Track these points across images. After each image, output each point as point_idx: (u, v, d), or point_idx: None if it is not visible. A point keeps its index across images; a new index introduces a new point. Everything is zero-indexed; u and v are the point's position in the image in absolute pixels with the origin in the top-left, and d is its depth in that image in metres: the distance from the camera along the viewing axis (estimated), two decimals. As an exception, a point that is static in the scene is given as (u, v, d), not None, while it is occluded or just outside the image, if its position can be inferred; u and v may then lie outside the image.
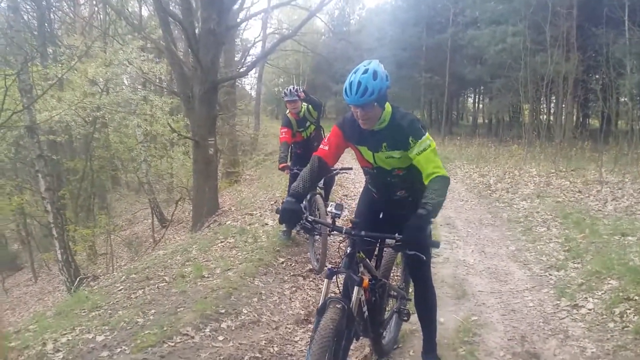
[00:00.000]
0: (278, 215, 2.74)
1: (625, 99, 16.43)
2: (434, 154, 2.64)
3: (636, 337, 3.50)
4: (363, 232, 2.60)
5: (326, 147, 2.90)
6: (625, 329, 3.65)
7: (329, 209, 2.73)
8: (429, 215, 2.40)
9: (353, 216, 3.20)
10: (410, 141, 2.66)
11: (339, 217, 2.70)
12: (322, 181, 6.35)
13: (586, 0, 17.02)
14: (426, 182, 2.59)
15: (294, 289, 5.05)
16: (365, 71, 2.54)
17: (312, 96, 6.16)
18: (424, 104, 31.32)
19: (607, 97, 14.65)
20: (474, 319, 4.12)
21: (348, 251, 2.64)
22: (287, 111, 6.13)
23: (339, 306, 2.50)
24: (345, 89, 2.56)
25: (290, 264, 5.72)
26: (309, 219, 2.68)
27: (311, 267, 5.63)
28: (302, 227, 2.74)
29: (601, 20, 16.09)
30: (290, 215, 2.67)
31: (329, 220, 2.72)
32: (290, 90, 5.95)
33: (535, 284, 4.86)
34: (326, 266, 2.61)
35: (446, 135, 25.98)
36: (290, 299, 4.81)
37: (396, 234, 2.47)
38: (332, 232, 2.69)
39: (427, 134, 2.67)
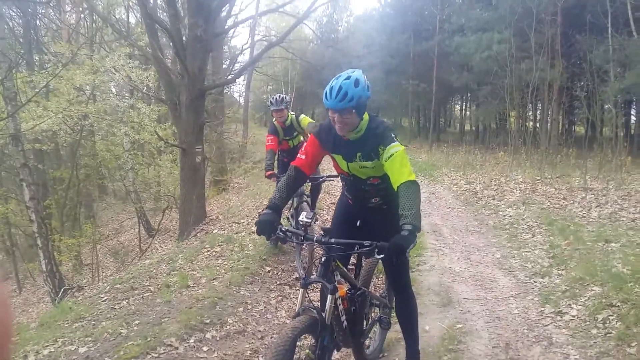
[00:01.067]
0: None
1: (609, 106, 16.64)
2: (403, 160, 2.62)
3: (618, 343, 3.54)
4: (333, 240, 2.58)
5: (303, 157, 2.91)
6: (608, 335, 3.69)
7: (300, 217, 2.73)
8: (414, 231, 2.35)
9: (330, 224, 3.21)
10: (379, 149, 2.68)
11: (310, 225, 2.70)
12: (309, 189, 6.37)
13: (570, 7, 17.28)
14: (395, 188, 2.57)
15: (280, 298, 5.03)
16: (348, 77, 2.58)
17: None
18: (411, 111, 31.54)
19: (591, 104, 14.84)
20: (459, 326, 4.14)
21: (322, 260, 2.63)
22: (274, 119, 6.11)
23: (310, 315, 2.49)
24: (326, 92, 2.59)
25: (277, 273, 5.70)
26: (282, 229, 2.66)
27: (297, 276, 5.61)
28: (277, 237, 2.72)
29: (585, 27, 16.37)
30: (265, 227, 2.66)
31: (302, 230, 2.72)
32: (275, 99, 5.91)
33: (520, 291, 4.89)
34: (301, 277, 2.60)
35: (434, 142, 26.14)
36: (276, 308, 4.79)
37: (366, 241, 2.45)
38: (303, 241, 2.69)
39: (396, 141, 2.67)
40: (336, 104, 2.55)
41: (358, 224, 3.09)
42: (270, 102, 5.97)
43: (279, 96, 5.96)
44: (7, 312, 0.52)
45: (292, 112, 6.17)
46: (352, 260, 3.35)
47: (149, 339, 3.66)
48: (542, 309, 4.38)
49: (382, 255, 2.40)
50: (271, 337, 4.13)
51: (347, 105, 2.54)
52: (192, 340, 3.77)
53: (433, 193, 11.58)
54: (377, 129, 2.73)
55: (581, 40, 16.54)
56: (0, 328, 0.51)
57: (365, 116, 2.74)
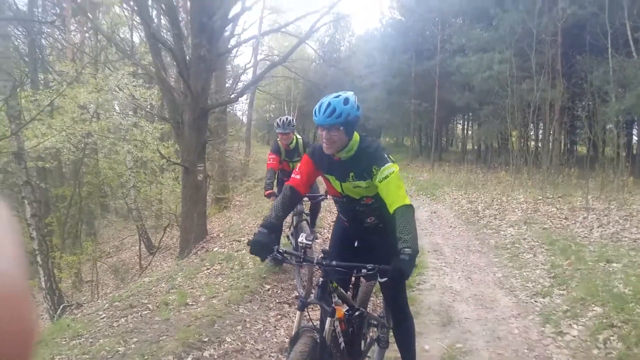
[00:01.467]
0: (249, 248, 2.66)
1: (611, 126, 16.69)
2: (398, 182, 2.62)
3: (619, 364, 3.51)
4: (334, 262, 2.53)
5: (298, 176, 2.93)
6: (609, 355, 3.67)
7: (299, 239, 2.69)
8: (414, 255, 2.36)
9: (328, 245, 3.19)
10: (373, 169, 2.68)
11: (310, 247, 2.66)
12: (308, 207, 6.36)
13: (570, 27, 17.44)
14: (391, 212, 2.57)
15: (279, 316, 4.99)
16: (338, 96, 2.62)
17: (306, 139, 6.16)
18: (413, 131, 31.67)
19: (593, 124, 14.90)
20: (459, 346, 4.10)
21: (320, 282, 2.59)
22: (279, 138, 5.99)
23: (311, 337, 2.46)
24: (315, 109, 2.62)
25: (277, 291, 5.66)
26: (280, 251, 2.59)
27: (297, 295, 5.57)
28: (273, 258, 2.66)
29: (585, 47, 16.51)
30: (260, 248, 2.59)
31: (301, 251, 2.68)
32: (283, 121, 5.78)
33: (521, 311, 4.85)
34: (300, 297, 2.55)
35: (435, 161, 26.19)
36: (275, 326, 4.75)
37: (369, 265, 2.41)
38: (302, 264, 2.64)
39: (390, 162, 2.67)
40: (324, 119, 2.57)
41: (356, 244, 3.09)
42: (277, 124, 5.85)
43: (287, 119, 5.84)
44: (30, 313, 0.53)
45: (299, 136, 6.13)
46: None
47: (146, 357, 3.64)
48: (543, 329, 4.34)
49: (384, 279, 2.39)
50: (269, 356, 4.10)
51: (335, 121, 2.57)
52: (189, 359, 3.74)
53: (434, 212, 11.57)
54: (369, 148, 2.74)
55: (581, 60, 16.68)
56: (23, 330, 0.51)
57: (356, 136, 2.75)
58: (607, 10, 14.91)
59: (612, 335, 3.90)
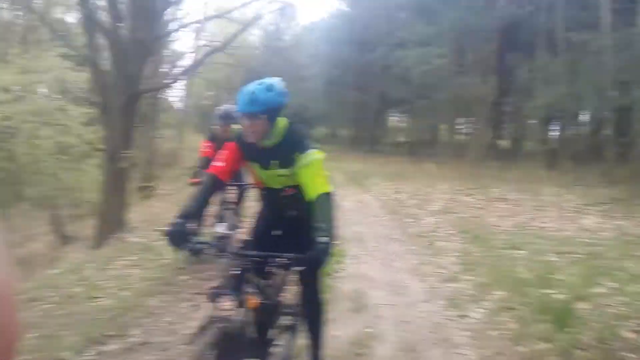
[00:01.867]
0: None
1: (534, 121, 17.59)
2: (318, 169, 2.59)
3: (512, 343, 3.78)
4: (250, 252, 2.52)
5: (221, 163, 2.81)
6: (504, 334, 3.94)
7: (217, 229, 2.63)
8: (329, 244, 2.33)
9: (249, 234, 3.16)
10: (294, 156, 2.63)
11: (229, 237, 2.62)
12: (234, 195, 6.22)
13: (507, 26, 18.04)
14: (309, 199, 2.54)
15: (192, 307, 4.87)
16: (262, 83, 2.56)
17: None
18: (349, 122, 31.98)
19: (517, 120, 15.69)
20: (369, 330, 4.19)
21: (235, 271, 2.54)
22: (216, 127, 5.66)
23: (220, 327, 2.40)
24: (238, 97, 2.55)
25: (193, 282, 5.52)
26: (196, 241, 2.55)
27: (213, 285, 5.44)
28: (190, 249, 2.59)
29: (518, 45, 17.24)
30: (177, 238, 2.50)
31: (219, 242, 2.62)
32: (224, 112, 5.45)
33: (430, 296, 5.04)
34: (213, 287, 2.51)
35: (369, 152, 26.57)
36: (187, 318, 4.63)
37: (285, 254, 2.40)
38: (219, 254, 2.59)
39: (312, 149, 2.63)
40: (244, 107, 2.51)
41: (276, 234, 3.06)
42: (217, 114, 5.56)
43: (227, 110, 5.47)
44: (13, 312, 0.48)
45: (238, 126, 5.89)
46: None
47: (44, 353, 3.47)
48: (448, 312, 4.54)
49: (300, 268, 2.40)
50: (176, 348, 4.01)
51: (255, 109, 2.50)
52: (89, 354, 3.60)
53: (361, 202, 11.72)
54: (294, 135, 2.68)
55: (511, 58, 17.42)
56: (6, 329, 0.46)
57: (283, 122, 2.69)
58: (545, 10, 15.57)
59: (511, 318, 4.18)
